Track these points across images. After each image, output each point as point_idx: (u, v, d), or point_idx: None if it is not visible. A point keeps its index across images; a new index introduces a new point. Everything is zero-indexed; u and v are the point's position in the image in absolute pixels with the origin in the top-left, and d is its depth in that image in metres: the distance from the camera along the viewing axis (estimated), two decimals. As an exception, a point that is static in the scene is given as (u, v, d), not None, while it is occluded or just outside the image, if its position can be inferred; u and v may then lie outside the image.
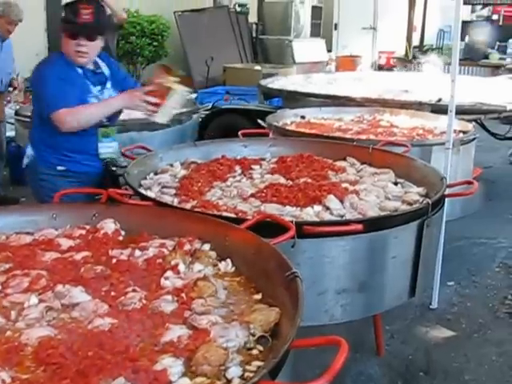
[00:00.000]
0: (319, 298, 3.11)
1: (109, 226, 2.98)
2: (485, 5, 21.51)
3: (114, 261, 2.65)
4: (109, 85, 4.16)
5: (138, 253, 2.72)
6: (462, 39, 16.21)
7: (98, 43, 4.01)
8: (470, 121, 6.25)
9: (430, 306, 5.44)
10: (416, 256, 3.34)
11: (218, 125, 8.23)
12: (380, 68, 18.52)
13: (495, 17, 20.79)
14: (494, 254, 6.76)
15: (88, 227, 3.00)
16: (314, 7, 19.15)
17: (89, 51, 3.94)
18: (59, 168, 4.02)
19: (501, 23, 20.48)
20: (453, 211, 5.13)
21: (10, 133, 7.87)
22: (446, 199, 3.68)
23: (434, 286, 5.37)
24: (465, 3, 18.59)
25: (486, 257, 6.67)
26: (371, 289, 3.23)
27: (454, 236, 6.40)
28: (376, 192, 3.72)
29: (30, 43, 12.93)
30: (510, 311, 5.44)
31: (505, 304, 5.57)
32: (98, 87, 4.08)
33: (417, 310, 5.37)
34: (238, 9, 17.22)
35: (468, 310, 5.50)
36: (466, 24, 17.87)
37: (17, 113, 6.85)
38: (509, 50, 14.93)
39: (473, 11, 22.23)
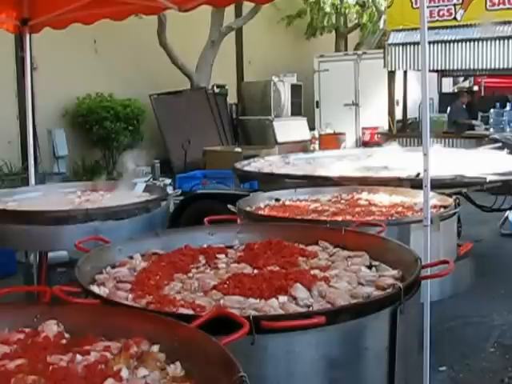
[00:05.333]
0: (287, 399, 2.81)
1: (51, 328, 2.70)
2: (465, 76, 21.70)
3: (51, 368, 2.36)
4: None
5: (79, 358, 2.43)
6: (445, 111, 16.25)
7: None
8: (452, 194, 6.05)
9: (422, 396, 5.10)
10: (391, 346, 3.04)
11: (194, 211, 7.97)
12: (365, 144, 18.50)
13: (476, 88, 20.95)
14: (488, 333, 6.46)
15: (28, 330, 2.72)
16: (293, 85, 19.27)
17: None
18: None
19: (482, 94, 20.64)
20: (443, 290, 4.93)
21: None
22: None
23: (423, 373, 5.06)
24: (444, 75, 18.88)
25: (480, 337, 6.38)
26: (344, 386, 2.93)
27: (446, 316, 6.18)
28: (348, 277, 3.45)
29: (2, 131, 12.99)
30: (508, 395, 5.15)
31: (502, 388, 5.28)
32: None
33: (407, 400, 5.04)
34: (217, 90, 17.25)
35: (463, 397, 5.20)
36: (448, 96, 17.96)
37: None
38: (491, 121, 14.93)
39: (455, 83, 22.42)
